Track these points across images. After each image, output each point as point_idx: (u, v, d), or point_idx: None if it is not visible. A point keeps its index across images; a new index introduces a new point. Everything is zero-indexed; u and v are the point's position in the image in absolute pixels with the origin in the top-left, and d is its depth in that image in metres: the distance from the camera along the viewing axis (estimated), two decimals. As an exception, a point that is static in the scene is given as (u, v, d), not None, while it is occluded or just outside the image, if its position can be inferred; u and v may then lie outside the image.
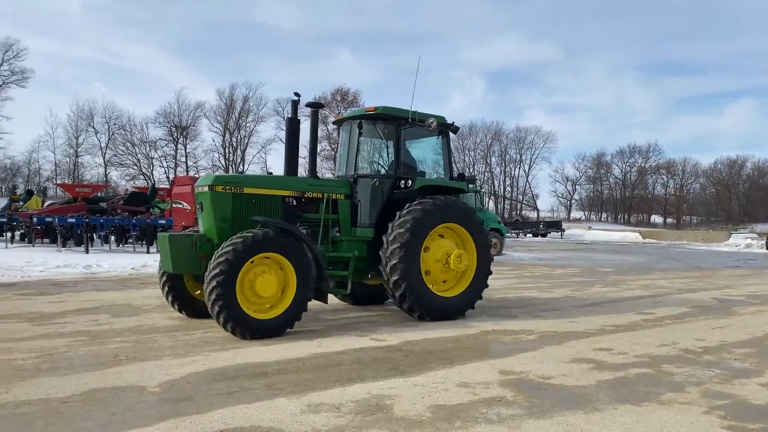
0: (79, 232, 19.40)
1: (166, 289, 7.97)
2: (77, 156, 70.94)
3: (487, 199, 23.85)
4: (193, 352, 6.21)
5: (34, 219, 20.22)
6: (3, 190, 63.20)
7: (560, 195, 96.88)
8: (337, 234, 8.40)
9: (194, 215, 23.02)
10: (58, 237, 19.21)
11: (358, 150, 8.86)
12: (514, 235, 47.78)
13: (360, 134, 8.84)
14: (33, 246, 20.12)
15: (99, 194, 30.70)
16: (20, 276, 13.27)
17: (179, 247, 7.37)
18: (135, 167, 71.64)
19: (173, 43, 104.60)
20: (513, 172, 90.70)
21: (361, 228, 8.42)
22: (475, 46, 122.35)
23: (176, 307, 8.06)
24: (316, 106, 8.62)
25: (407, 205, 8.16)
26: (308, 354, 6.27)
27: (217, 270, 6.59)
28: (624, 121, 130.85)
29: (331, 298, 8.87)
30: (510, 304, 10.37)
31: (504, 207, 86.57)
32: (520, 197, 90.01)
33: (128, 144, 71.60)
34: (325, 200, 8.26)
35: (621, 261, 23.69)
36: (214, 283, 6.57)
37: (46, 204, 28.47)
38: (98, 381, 5.10)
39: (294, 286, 7.08)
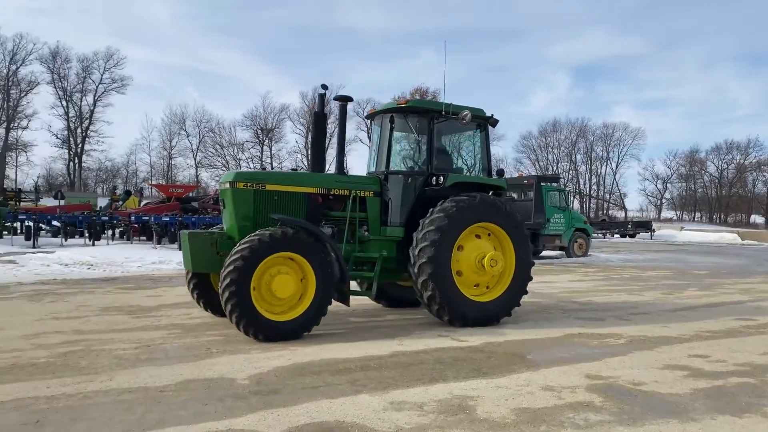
0: (172, 230, 20.48)
1: (192, 286, 7.80)
2: (170, 158, 74.77)
3: (571, 198, 23.19)
4: (279, 347, 6.40)
5: (132, 218, 21.57)
6: (104, 190, 67.46)
7: (650, 194, 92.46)
8: (366, 233, 8.03)
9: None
10: (154, 235, 20.32)
11: (389, 145, 8.48)
12: (600, 235, 46.12)
13: (391, 129, 8.43)
14: (131, 243, 21.37)
15: (191, 194, 32.26)
16: (120, 271, 14.16)
17: (199, 246, 7.18)
18: (224, 168, 74.69)
19: (259, 49, 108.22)
20: (599, 170, 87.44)
21: (392, 227, 8.01)
22: (561, 41, 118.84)
23: (202, 305, 7.87)
24: (344, 100, 8.16)
25: (440, 202, 7.73)
26: (390, 352, 6.31)
27: (230, 269, 6.39)
28: (721, 115, 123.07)
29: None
30: (596, 307, 10.03)
31: (590, 206, 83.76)
32: (607, 196, 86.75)
33: (217, 146, 74.73)
34: (351, 198, 7.89)
35: (717, 263, 22.35)
36: (227, 282, 6.37)
37: (142, 203, 30.27)
38: (192, 372, 5.36)
39: (313, 287, 6.81)
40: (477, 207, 7.78)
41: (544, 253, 23.26)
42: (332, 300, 7.05)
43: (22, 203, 33.42)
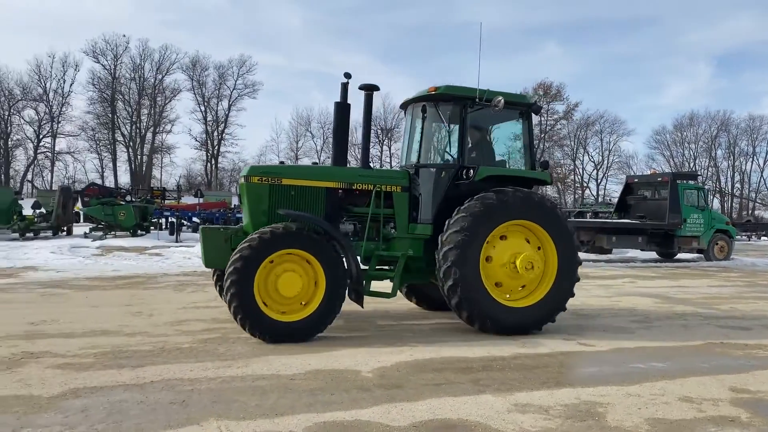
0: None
1: (216, 279, 7.76)
2: (297, 158, 78.19)
3: (711, 197, 21.46)
4: (401, 343, 6.49)
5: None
6: (237, 189, 71.78)
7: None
8: (392, 231, 7.49)
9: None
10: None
11: (421, 136, 7.98)
12: (745, 237, 42.32)
13: (423, 119, 7.85)
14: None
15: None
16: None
17: (213, 242, 6.97)
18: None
19: (380, 50, 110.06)
20: (743, 167, 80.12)
21: (421, 225, 7.40)
22: (700, 28, 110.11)
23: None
24: (370, 89, 7.53)
25: (468, 199, 7.05)
26: (512, 354, 6.20)
27: (232, 268, 6.17)
28: None
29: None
30: (741, 315, 9.22)
31: (732, 206, 77.02)
32: (753, 195, 79.28)
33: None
34: (374, 193, 7.32)
35: None
36: (230, 281, 6.15)
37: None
38: (319, 362, 5.59)
39: (323, 287, 6.44)
40: (509, 203, 7.01)
41: (680, 255, 21.77)
42: (343, 299, 6.62)
43: (166, 201, 36.41)
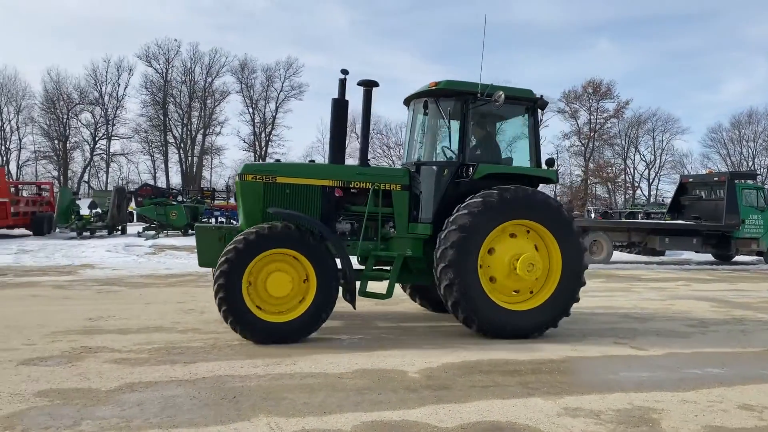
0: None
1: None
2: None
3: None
4: (449, 344, 6.46)
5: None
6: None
7: None
8: (392, 230, 7.27)
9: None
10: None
11: (423, 133, 7.77)
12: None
13: (425, 115, 7.60)
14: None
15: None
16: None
17: (207, 240, 6.89)
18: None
19: (428, 50, 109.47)
20: (808, 166, 76.58)
21: (423, 224, 7.16)
22: (760, 21, 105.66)
23: None
24: (369, 85, 7.30)
25: (469, 197, 6.83)
26: (562, 357, 6.09)
27: (220, 269, 6.09)
28: None
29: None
30: (804, 321, 8.82)
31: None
32: (815, 195, 75.67)
33: (384, 147, 77.28)
34: (372, 191, 7.10)
35: None
36: (218, 282, 6.08)
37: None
38: (365, 362, 5.61)
39: (314, 287, 6.31)
40: (510, 202, 6.75)
41: (737, 258, 20.96)
42: (335, 300, 6.47)
43: (216, 201, 37.21)
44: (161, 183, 61.23)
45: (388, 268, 7.39)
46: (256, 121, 71.89)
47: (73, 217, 23.16)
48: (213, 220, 26.34)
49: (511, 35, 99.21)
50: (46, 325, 6.93)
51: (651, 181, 70.16)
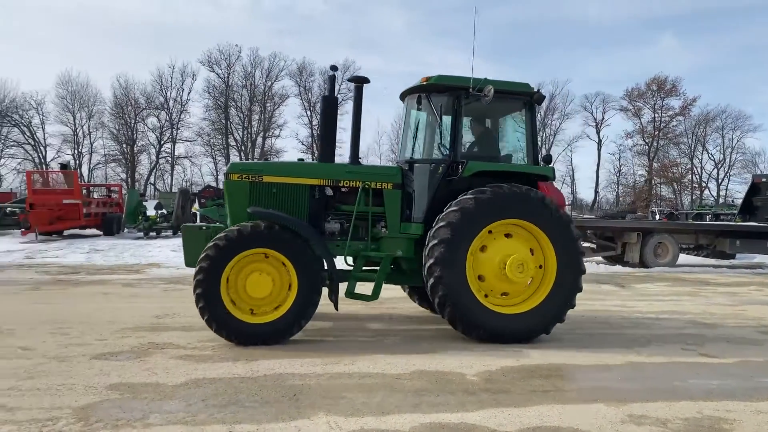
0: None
1: None
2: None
3: None
4: (506, 348, 6.36)
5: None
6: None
7: None
8: (383, 230, 7.06)
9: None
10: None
11: (416, 130, 7.55)
12: None
13: (418, 111, 7.43)
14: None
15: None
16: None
17: (193, 241, 6.83)
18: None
19: (483, 49, 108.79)
20: None
21: (416, 223, 6.94)
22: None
23: None
24: (359, 81, 7.12)
25: (461, 195, 6.61)
26: (625, 362, 5.92)
27: (198, 268, 6.08)
28: None
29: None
30: None
31: None
32: None
33: (441, 147, 77.02)
34: (361, 190, 6.93)
35: None
36: (196, 282, 6.06)
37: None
38: (423, 363, 5.61)
39: (296, 288, 6.19)
40: (501, 201, 6.50)
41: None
42: (317, 301, 6.33)
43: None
44: (223, 185, 62.81)
45: (377, 268, 7.18)
46: (314, 123, 72.91)
47: (140, 217, 24.06)
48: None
49: (566, 32, 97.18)
50: (116, 322, 7.24)
51: (720, 181, 67.31)
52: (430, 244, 6.48)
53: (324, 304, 6.45)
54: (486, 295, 6.63)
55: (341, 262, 6.95)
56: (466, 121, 7.41)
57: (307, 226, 6.50)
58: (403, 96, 7.79)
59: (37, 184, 23.95)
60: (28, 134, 61.61)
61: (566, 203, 29.32)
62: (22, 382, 4.75)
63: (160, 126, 67.35)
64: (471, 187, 6.68)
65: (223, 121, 68.33)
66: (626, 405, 4.55)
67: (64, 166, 28.43)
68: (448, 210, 6.52)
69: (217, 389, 4.68)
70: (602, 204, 68.58)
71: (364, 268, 7.05)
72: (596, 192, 68.98)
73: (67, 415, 4.05)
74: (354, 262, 7.04)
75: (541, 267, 6.73)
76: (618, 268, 16.74)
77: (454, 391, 4.79)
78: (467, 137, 7.60)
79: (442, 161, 7.06)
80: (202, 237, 6.82)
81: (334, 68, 7.19)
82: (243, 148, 69.86)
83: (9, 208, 25.30)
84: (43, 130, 62.78)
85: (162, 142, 67.65)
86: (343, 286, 6.77)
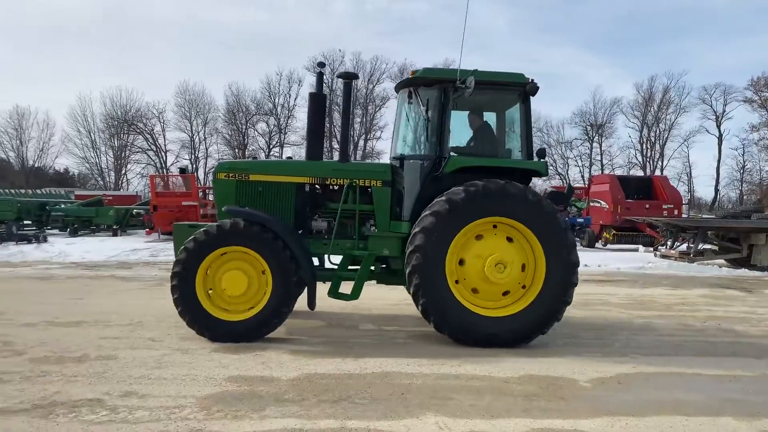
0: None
1: None
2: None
3: None
4: (620, 353, 6.10)
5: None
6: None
7: None
8: (372, 228, 6.87)
9: (612, 213, 22.60)
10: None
11: (407, 125, 7.26)
12: None
13: (409, 105, 7.11)
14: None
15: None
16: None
17: (182, 238, 6.73)
18: (551, 167, 74.53)
19: (590, 42, 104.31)
20: None
21: (405, 222, 6.66)
22: None
23: None
24: (348, 77, 7.03)
25: (436, 197, 6.29)
26: (756, 373, 5.49)
27: (176, 261, 6.15)
28: None
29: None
30: None
31: None
32: None
33: (545, 145, 74.88)
34: (347, 188, 6.79)
35: None
36: (172, 273, 6.12)
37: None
38: (532, 367, 5.47)
39: (271, 286, 6.18)
40: (479, 198, 6.15)
41: None
42: (293, 299, 6.31)
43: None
44: (326, 186, 64.62)
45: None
46: (413, 124, 73.38)
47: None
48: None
49: (681, 22, 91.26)
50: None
51: None
52: (408, 251, 6.32)
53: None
54: (471, 298, 6.33)
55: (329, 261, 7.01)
56: (462, 115, 7.26)
57: (282, 223, 6.45)
58: (396, 90, 7.61)
59: (159, 187, 25.73)
60: (151, 141, 66.37)
61: (684, 202, 27.59)
62: (151, 371, 5.13)
63: (269, 131, 70.35)
64: (457, 184, 6.39)
65: (327, 125, 70.33)
66: (758, 419, 4.23)
67: (182, 170, 30.33)
68: (429, 210, 6.29)
69: (328, 385, 4.82)
70: (723, 203, 63.85)
71: (350, 267, 6.91)
72: (716, 190, 64.26)
73: (192, 404, 4.32)
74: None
75: (526, 264, 6.36)
76: (743, 271, 15.54)
77: (565, 396, 4.64)
78: (466, 132, 7.35)
79: (427, 157, 6.80)
80: (190, 234, 6.84)
81: (321, 65, 7.18)
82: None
83: (135, 210, 27.44)
84: (164, 136, 67.32)
85: (271, 147, 70.57)
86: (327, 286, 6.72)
